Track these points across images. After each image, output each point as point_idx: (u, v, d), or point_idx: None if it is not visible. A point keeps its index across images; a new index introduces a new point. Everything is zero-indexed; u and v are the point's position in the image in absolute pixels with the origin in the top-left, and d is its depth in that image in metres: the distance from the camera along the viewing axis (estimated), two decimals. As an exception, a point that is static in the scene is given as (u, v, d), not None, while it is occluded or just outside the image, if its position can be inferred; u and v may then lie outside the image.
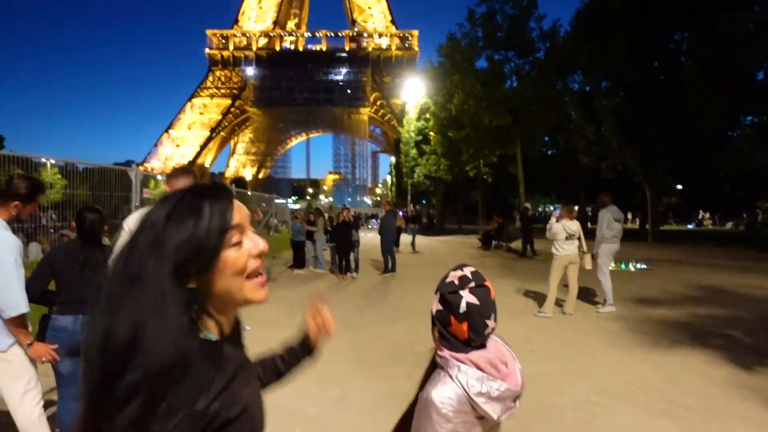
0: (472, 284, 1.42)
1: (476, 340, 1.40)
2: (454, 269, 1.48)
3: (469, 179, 30.01)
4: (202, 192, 0.86)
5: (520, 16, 21.71)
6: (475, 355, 1.39)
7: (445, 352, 1.42)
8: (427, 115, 29.11)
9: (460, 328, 1.40)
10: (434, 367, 1.49)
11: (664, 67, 23.25)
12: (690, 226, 47.46)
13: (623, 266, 13.49)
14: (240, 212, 0.87)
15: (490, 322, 1.42)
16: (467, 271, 1.45)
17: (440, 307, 1.44)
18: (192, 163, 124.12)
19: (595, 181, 29.24)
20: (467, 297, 1.39)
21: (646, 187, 25.14)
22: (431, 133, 28.50)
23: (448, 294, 1.42)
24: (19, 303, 2.72)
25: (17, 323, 2.76)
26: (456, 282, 1.43)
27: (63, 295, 3.21)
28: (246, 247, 0.87)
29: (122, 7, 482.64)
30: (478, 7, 22.26)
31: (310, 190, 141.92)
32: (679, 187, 40.88)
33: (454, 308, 1.40)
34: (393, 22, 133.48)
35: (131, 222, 2.82)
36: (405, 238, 21.24)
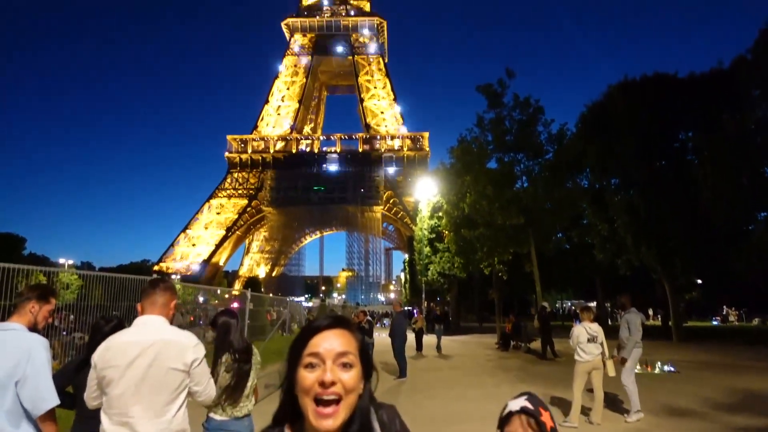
0: None
1: None
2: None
3: (485, 276, 29.73)
4: (310, 323, 1.16)
5: (527, 121, 22.50)
6: None
7: None
8: (440, 214, 29.37)
9: None
10: None
11: (672, 165, 23.66)
12: (714, 322, 45.88)
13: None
14: (327, 346, 1.07)
15: None
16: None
17: None
18: (207, 261, 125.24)
19: (612, 275, 28.72)
20: None
21: (666, 284, 24.64)
22: (445, 231, 28.67)
23: None
24: (50, 397, 2.74)
25: (48, 418, 2.76)
26: None
27: (77, 408, 3.18)
28: (316, 372, 1.05)
29: (146, 115, 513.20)
30: (487, 114, 23.22)
31: (324, 288, 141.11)
32: (699, 281, 39.95)
33: None
34: (404, 124, 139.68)
35: (96, 357, 2.66)
36: (429, 340, 20.51)
